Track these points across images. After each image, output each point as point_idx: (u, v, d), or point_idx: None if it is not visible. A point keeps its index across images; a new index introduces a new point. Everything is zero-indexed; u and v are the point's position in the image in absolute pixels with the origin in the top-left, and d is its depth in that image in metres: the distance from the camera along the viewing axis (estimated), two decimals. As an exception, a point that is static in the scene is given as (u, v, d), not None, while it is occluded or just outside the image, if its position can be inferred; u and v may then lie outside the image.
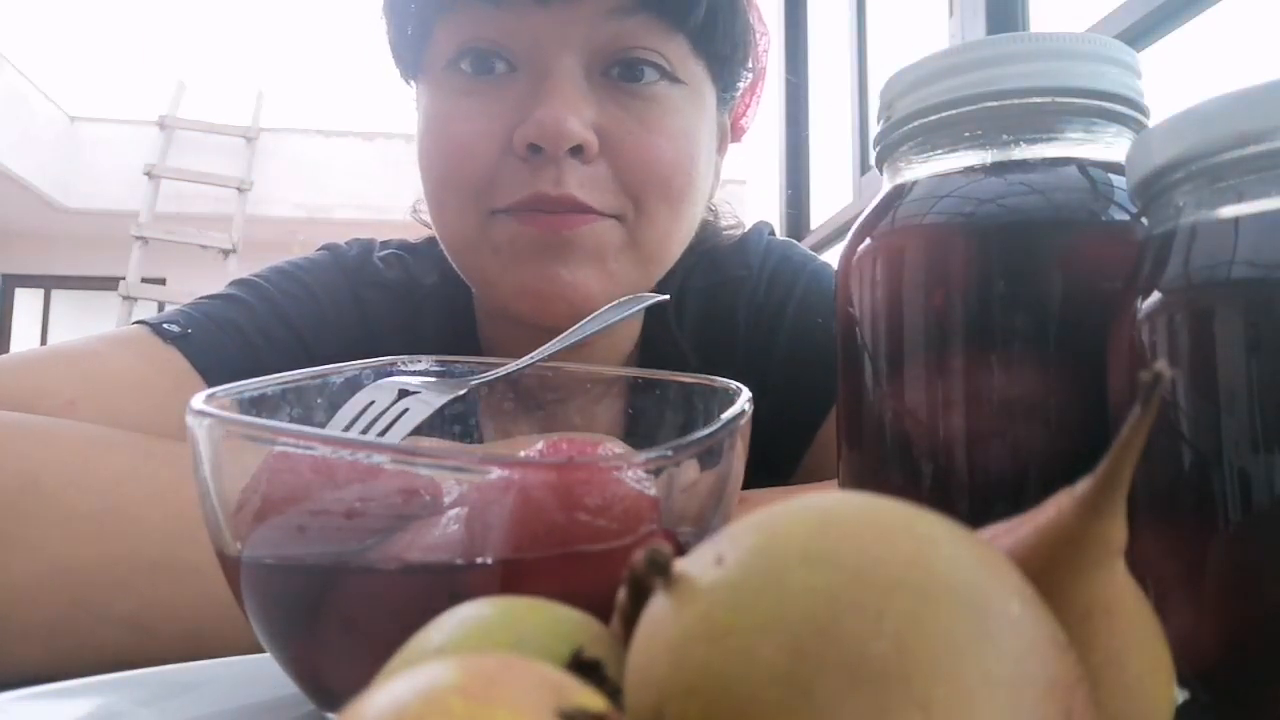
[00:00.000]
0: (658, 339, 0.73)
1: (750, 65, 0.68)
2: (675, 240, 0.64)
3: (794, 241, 0.83)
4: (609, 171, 0.59)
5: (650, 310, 0.72)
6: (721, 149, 0.72)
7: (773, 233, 0.82)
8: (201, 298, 0.68)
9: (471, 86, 0.60)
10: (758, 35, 0.70)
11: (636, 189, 0.59)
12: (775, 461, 0.72)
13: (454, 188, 0.60)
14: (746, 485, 0.39)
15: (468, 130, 0.59)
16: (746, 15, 0.65)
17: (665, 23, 0.59)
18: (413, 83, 0.66)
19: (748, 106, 0.75)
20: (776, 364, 0.73)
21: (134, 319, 1.22)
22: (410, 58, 0.64)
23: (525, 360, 0.46)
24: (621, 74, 0.59)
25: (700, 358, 0.72)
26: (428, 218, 0.68)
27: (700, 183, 0.64)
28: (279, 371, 0.53)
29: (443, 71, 0.61)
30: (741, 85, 0.69)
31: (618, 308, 0.47)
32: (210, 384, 0.60)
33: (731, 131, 0.74)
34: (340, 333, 0.68)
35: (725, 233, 0.77)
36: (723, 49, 0.63)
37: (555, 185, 0.57)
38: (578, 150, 0.57)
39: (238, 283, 0.70)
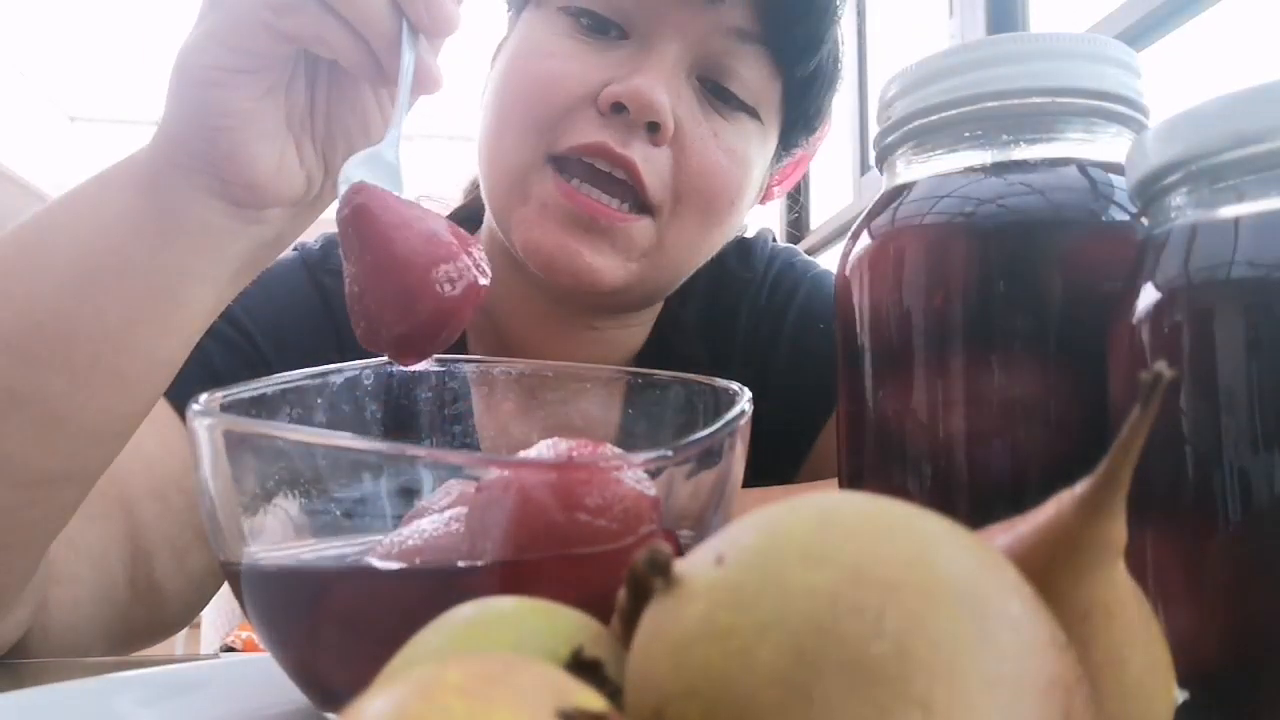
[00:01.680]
0: (667, 337, 0.73)
1: (809, 139, 0.70)
2: (696, 254, 0.65)
3: (796, 248, 0.83)
4: (669, 164, 0.60)
5: (661, 307, 0.73)
6: (757, 198, 0.73)
7: (775, 239, 0.83)
8: None
9: (579, 34, 0.61)
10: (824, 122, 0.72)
11: (683, 189, 0.61)
12: (776, 464, 0.73)
13: (521, 116, 0.60)
14: (747, 488, 0.40)
15: (557, 68, 0.60)
16: (831, 98, 0.67)
17: (772, 62, 0.61)
18: (519, 14, 0.66)
19: (785, 178, 0.76)
20: (777, 368, 0.74)
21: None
22: None
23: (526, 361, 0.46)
24: (714, 90, 0.62)
25: (707, 357, 0.73)
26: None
27: (736, 215, 0.65)
28: (230, 370, 0.54)
29: (558, 13, 0.61)
30: (795, 153, 0.71)
31: None
32: None
33: (765, 193, 0.76)
34: (301, 324, 0.68)
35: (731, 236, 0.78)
36: (805, 111, 0.66)
37: (622, 145, 0.58)
38: (655, 128, 0.58)
39: None
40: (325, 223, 0.50)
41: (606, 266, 0.60)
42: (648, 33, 0.60)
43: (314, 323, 0.68)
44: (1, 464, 0.43)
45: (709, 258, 0.68)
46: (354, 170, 0.41)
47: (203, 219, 0.44)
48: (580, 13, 0.61)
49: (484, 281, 0.39)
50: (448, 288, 0.38)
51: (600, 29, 0.61)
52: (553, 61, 0.60)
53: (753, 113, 0.63)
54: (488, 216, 0.68)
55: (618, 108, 0.58)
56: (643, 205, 0.60)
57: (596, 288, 0.60)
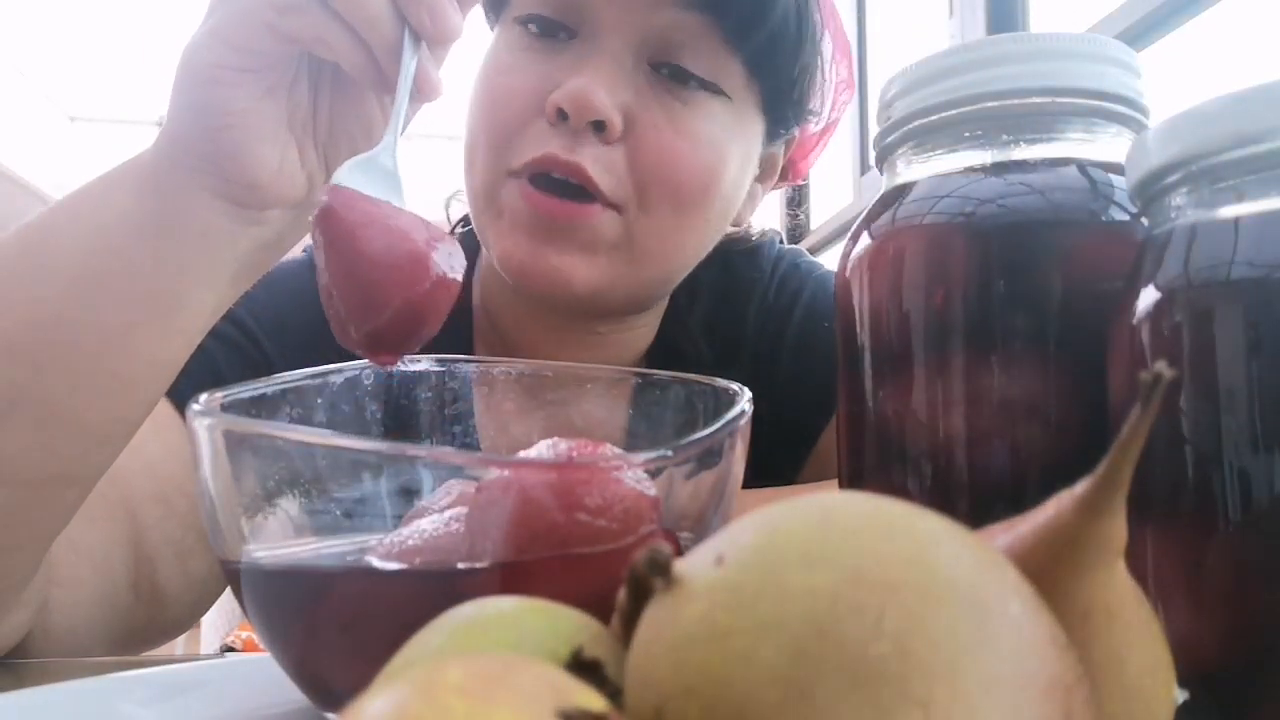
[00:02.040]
0: (674, 336, 0.73)
1: (819, 112, 0.69)
2: (676, 246, 0.64)
3: (802, 250, 0.84)
4: (624, 159, 0.59)
5: (667, 308, 0.72)
6: (766, 180, 0.72)
7: (783, 240, 0.83)
8: None
9: (528, 44, 0.61)
10: (838, 88, 0.70)
11: (645, 182, 0.60)
12: (778, 465, 0.73)
13: (483, 136, 0.61)
14: (749, 488, 0.40)
15: (507, 84, 0.60)
16: (814, 59, 0.65)
17: (721, 33, 0.59)
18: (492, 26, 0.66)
19: (811, 150, 0.75)
20: (782, 367, 0.74)
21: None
22: (494, 4, 0.64)
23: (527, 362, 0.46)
24: (671, 73, 0.60)
25: (712, 357, 0.73)
26: (455, 215, 0.67)
27: (719, 200, 0.63)
28: (234, 372, 0.54)
29: (512, 25, 0.62)
30: (800, 127, 0.70)
31: None
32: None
33: (792, 170, 0.75)
34: (305, 323, 0.67)
35: (739, 238, 0.77)
36: (780, 82, 0.63)
37: (568, 152, 0.57)
38: (600, 126, 0.58)
39: None
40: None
41: (574, 265, 0.59)
42: (592, 29, 0.59)
43: (318, 322, 0.68)
44: (2, 465, 0.44)
45: (703, 249, 0.66)
46: (346, 175, 0.41)
47: (204, 219, 0.44)
48: (529, 19, 0.61)
49: (454, 276, 0.39)
50: (414, 283, 0.38)
51: (549, 32, 0.60)
52: (503, 78, 0.61)
53: (714, 89, 0.61)
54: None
55: (561, 114, 0.57)
56: (606, 204, 0.59)
57: (569, 289, 0.60)
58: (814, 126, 0.72)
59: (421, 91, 0.45)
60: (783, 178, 0.75)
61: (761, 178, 0.71)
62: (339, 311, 0.39)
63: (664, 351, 0.73)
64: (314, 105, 0.46)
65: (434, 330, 0.39)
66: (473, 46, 0.58)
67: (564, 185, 0.58)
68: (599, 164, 0.58)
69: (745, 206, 0.71)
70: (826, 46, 0.67)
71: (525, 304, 0.68)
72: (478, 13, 0.59)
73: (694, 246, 0.65)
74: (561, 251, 0.59)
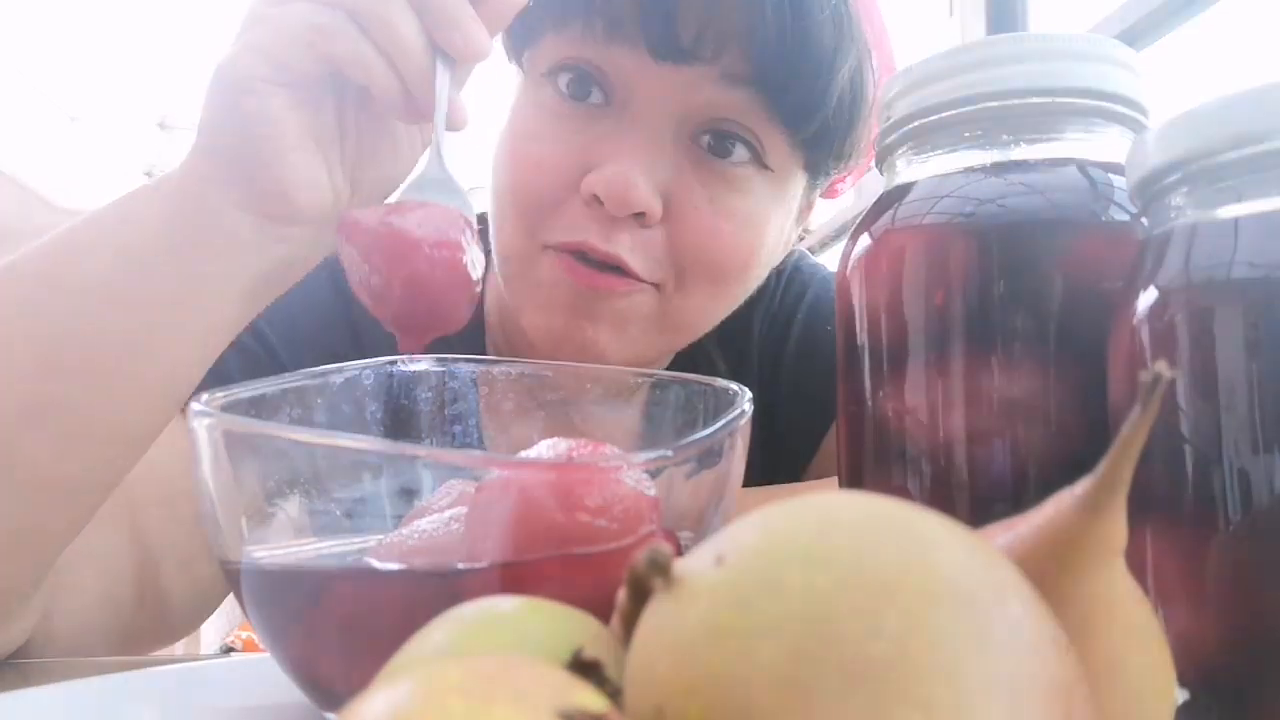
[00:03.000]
0: (689, 351, 0.72)
1: (844, 165, 0.65)
2: (709, 315, 0.63)
3: (805, 251, 0.83)
4: (663, 240, 0.57)
5: None
6: (803, 217, 0.70)
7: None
8: None
9: (560, 108, 0.58)
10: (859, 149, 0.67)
11: (684, 264, 0.58)
12: (784, 465, 0.73)
13: (513, 206, 0.59)
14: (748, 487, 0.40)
15: (540, 153, 0.58)
16: (867, 128, 0.62)
17: (770, 109, 0.56)
18: (514, 65, 0.63)
19: (850, 173, 0.72)
20: (785, 370, 0.74)
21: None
22: (517, 45, 0.62)
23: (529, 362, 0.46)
24: (711, 144, 0.57)
25: (726, 368, 0.73)
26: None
27: (756, 270, 0.62)
28: (242, 375, 0.54)
29: (541, 78, 0.59)
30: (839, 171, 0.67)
31: None
32: None
33: (828, 191, 0.72)
34: (318, 326, 0.67)
35: None
36: (824, 155, 0.61)
37: (605, 241, 0.56)
38: (639, 214, 0.56)
39: None
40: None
41: (609, 339, 0.58)
42: (630, 101, 0.56)
43: (334, 331, 0.68)
44: (24, 472, 0.44)
45: (732, 310, 0.65)
46: (406, 195, 0.43)
47: (230, 230, 0.45)
48: (559, 69, 0.57)
49: (474, 275, 0.41)
50: (436, 263, 0.40)
51: (580, 92, 0.57)
52: (535, 146, 0.58)
53: (759, 163, 0.58)
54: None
55: (597, 199, 0.55)
56: (643, 282, 0.58)
57: (601, 359, 0.59)
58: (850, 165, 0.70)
59: (451, 120, 0.45)
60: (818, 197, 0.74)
61: (800, 218, 0.69)
62: (371, 288, 0.41)
63: (678, 362, 0.72)
64: (341, 125, 0.46)
65: (457, 315, 0.41)
66: (489, 77, 0.57)
67: (600, 266, 0.57)
68: (636, 251, 0.56)
69: (782, 252, 0.69)
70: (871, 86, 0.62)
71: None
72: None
73: (724, 312, 0.64)
74: (596, 322, 0.58)
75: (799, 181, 0.63)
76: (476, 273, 0.41)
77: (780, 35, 0.54)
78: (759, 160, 0.58)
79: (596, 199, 0.55)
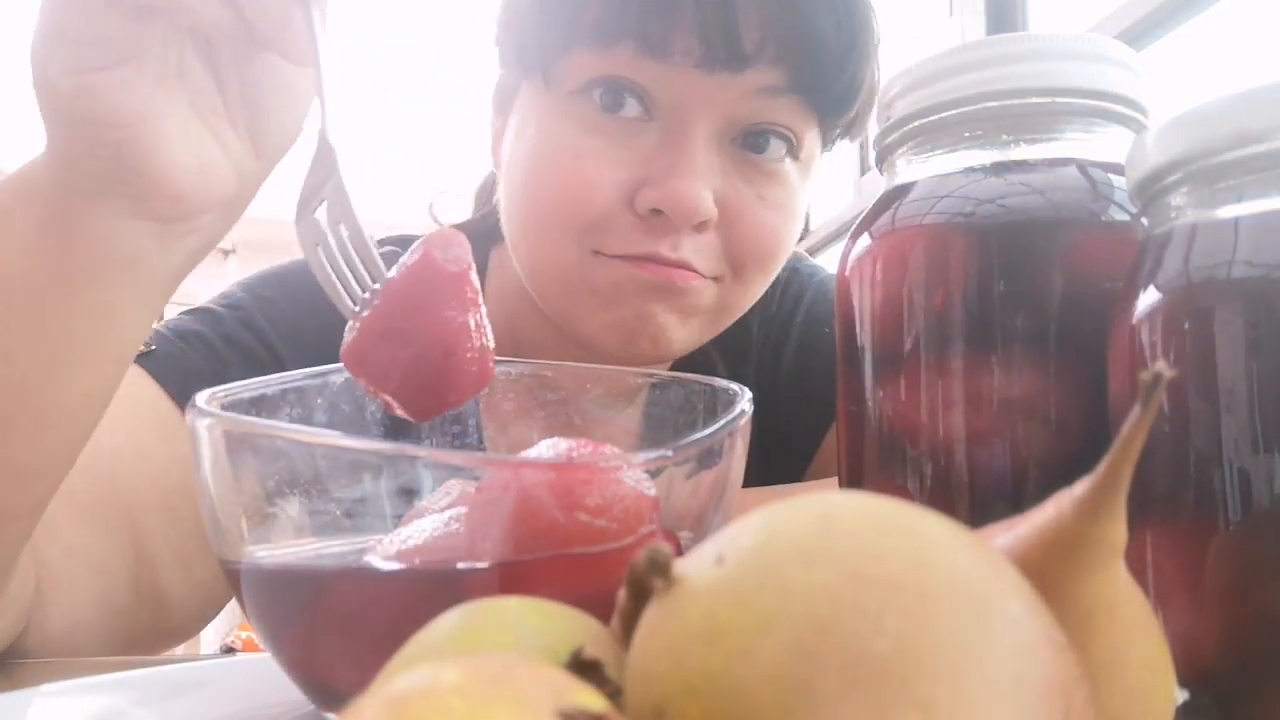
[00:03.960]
0: (690, 353, 0.73)
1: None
2: (754, 300, 0.65)
3: (802, 252, 0.84)
4: (719, 240, 0.59)
5: None
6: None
7: None
8: (180, 314, 0.67)
9: (599, 123, 0.58)
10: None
11: (741, 259, 0.60)
12: (785, 466, 0.73)
13: (559, 223, 0.58)
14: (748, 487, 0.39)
15: (586, 171, 0.57)
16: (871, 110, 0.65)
17: (807, 108, 0.59)
18: (524, 81, 0.62)
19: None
20: (784, 371, 0.75)
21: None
22: (535, 60, 0.60)
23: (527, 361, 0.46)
24: (746, 142, 0.59)
25: (726, 370, 0.73)
26: (445, 219, 0.66)
27: (789, 254, 0.65)
28: (244, 378, 0.52)
29: (571, 95, 0.58)
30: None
31: None
32: (176, 397, 0.59)
33: None
34: (320, 332, 0.66)
35: None
36: (839, 138, 0.65)
37: (672, 250, 0.57)
38: (701, 223, 0.57)
39: (221, 294, 0.69)
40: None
41: (675, 326, 0.60)
42: (675, 113, 0.57)
43: (337, 327, 0.67)
44: None
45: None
46: (303, 200, 0.38)
47: (130, 246, 0.39)
48: (595, 85, 0.57)
49: (489, 346, 0.37)
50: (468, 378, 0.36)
51: (615, 104, 0.57)
52: (582, 164, 0.57)
53: (793, 155, 0.61)
54: (503, 255, 0.68)
55: (656, 211, 0.56)
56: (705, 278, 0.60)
57: (669, 347, 0.60)
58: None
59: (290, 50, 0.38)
60: None
61: None
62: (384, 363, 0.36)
63: (679, 366, 0.72)
64: (220, 85, 0.39)
65: (456, 399, 0.36)
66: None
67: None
68: (699, 254, 0.58)
69: None
70: None
71: (548, 334, 0.67)
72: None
73: (759, 296, 0.66)
74: (668, 311, 0.59)
75: (815, 165, 0.65)
76: (489, 341, 0.37)
77: (828, 43, 0.57)
78: (793, 154, 0.61)
79: (655, 212, 0.56)
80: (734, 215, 0.59)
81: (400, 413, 0.36)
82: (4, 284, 0.40)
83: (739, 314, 0.65)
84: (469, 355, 0.35)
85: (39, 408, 0.41)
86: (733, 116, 0.58)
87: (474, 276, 0.36)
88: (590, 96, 0.58)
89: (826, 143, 0.65)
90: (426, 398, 0.36)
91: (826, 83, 0.58)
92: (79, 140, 0.38)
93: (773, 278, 0.64)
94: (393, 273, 0.37)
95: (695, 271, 0.58)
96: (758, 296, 0.65)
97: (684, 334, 0.61)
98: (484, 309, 0.36)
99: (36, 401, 0.41)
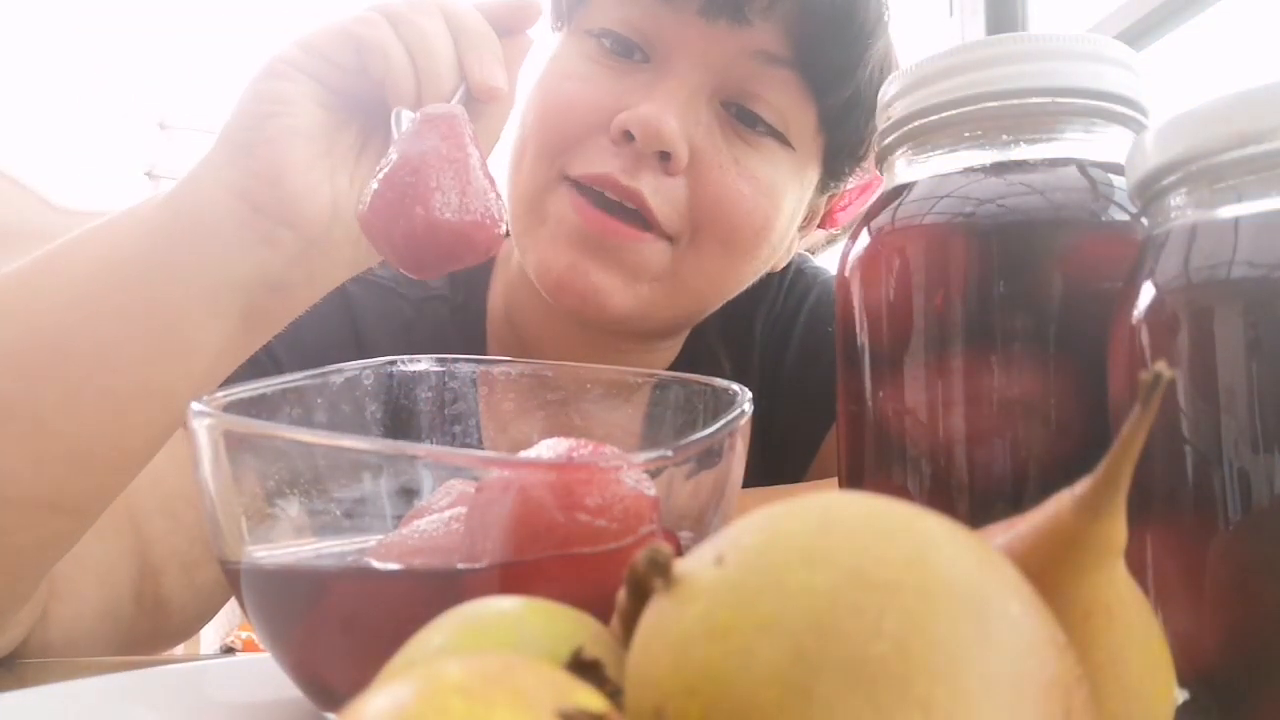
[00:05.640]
0: (694, 350, 0.73)
1: (858, 167, 0.68)
2: (718, 285, 0.64)
3: (807, 254, 0.84)
4: (685, 192, 0.58)
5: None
6: (806, 229, 0.71)
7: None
8: None
9: (602, 57, 0.60)
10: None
11: (701, 219, 0.59)
12: (782, 466, 0.73)
13: (537, 140, 0.60)
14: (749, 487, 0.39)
15: (573, 92, 0.59)
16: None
17: (804, 86, 0.59)
18: (557, 33, 0.65)
19: (851, 202, 0.75)
20: (787, 371, 0.74)
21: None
22: (565, 10, 0.63)
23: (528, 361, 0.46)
24: (739, 114, 0.59)
25: (730, 369, 0.73)
26: None
27: (767, 246, 0.63)
28: (241, 379, 0.53)
29: (584, 35, 0.61)
30: (850, 180, 0.70)
31: None
32: None
33: (828, 218, 0.74)
34: (320, 333, 0.66)
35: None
36: (848, 139, 0.63)
37: (629, 176, 0.57)
38: (666, 156, 0.57)
39: None
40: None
41: (613, 288, 0.59)
42: (668, 56, 0.58)
43: (340, 343, 0.67)
44: None
45: (740, 289, 0.66)
46: None
47: (217, 218, 0.43)
48: (604, 33, 0.60)
49: (498, 231, 0.41)
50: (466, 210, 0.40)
51: (624, 51, 0.59)
52: (569, 84, 0.59)
53: (781, 139, 0.60)
54: (507, 247, 0.68)
55: (628, 136, 0.56)
56: (659, 234, 0.59)
57: (603, 310, 0.59)
58: (854, 179, 0.72)
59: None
60: (818, 223, 0.75)
61: (801, 226, 0.70)
62: (388, 199, 0.40)
63: (683, 367, 0.72)
64: (359, 150, 0.47)
65: (463, 258, 0.40)
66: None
67: (617, 206, 0.58)
68: (658, 194, 0.58)
69: (781, 255, 0.70)
70: None
71: (553, 315, 0.67)
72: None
73: (733, 286, 0.65)
74: (604, 270, 0.58)
75: (815, 170, 0.64)
76: (495, 206, 0.41)
77: (838, 23, 0.57)
78: (783, 137, 0.60)
79: (626, 136, 0.57)
80: (704, 168, 0.58)
81: (413, 269, 0.41)
82: (111, 253, 0.44)
83: (700, 299, 0.64)
84: (465, 188, 0.40)
85: (105, 386, 0.44)
86: (725, 73, 0.58)
87: (464, 123, 0.42)
88: (600, 41, 0.60)
89: (829, 160, 0.63)
90: (434, 247, 0.39)
91: (824, 44, 0.58)
92: (243, 109, 0.44)
93: (740, 263, 0.62)
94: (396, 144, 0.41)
95: (647, 212, 0.57)
96: (720, 284, 0.63)
97: (628, 299, 0.59)
98: (476, 153, 0.41)
99: (106, 378, 0.43)
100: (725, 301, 0.67)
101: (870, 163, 0.68)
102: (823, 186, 0.67)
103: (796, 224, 0.67)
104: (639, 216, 0.58)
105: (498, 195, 0.41)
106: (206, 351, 0.45)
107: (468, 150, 0.41)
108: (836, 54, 0.58)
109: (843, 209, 0.75)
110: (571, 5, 0.62)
